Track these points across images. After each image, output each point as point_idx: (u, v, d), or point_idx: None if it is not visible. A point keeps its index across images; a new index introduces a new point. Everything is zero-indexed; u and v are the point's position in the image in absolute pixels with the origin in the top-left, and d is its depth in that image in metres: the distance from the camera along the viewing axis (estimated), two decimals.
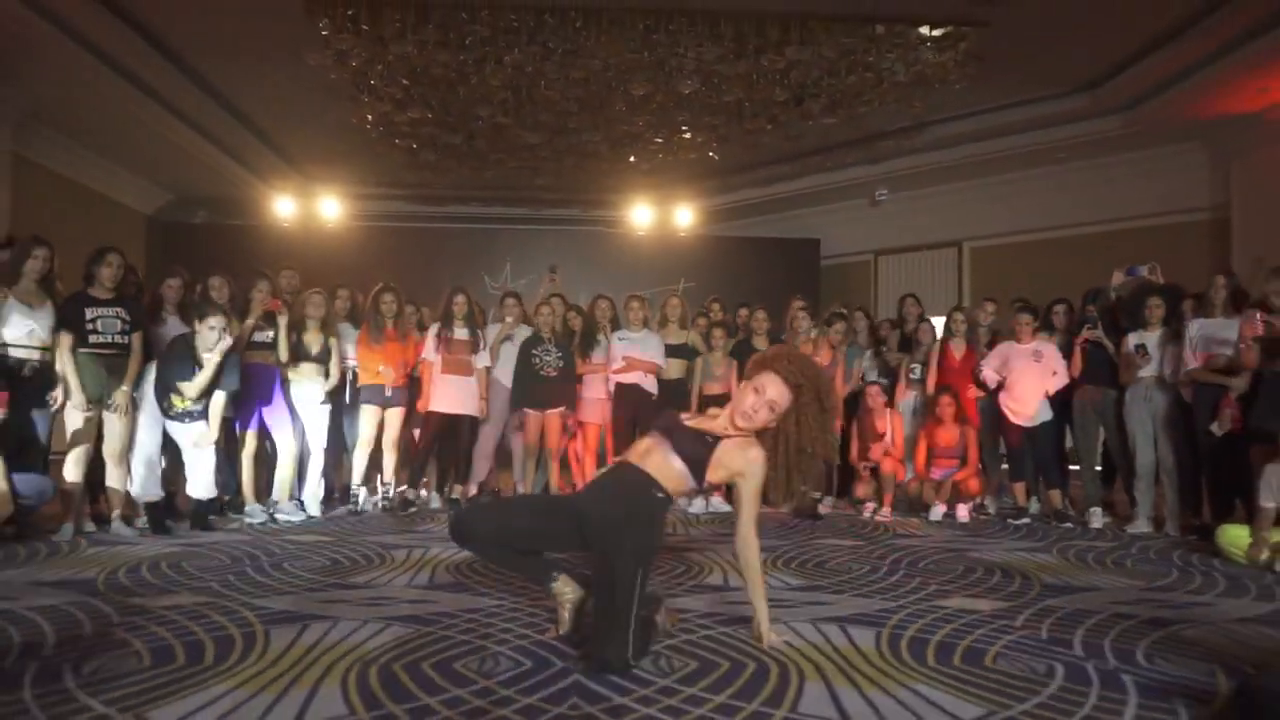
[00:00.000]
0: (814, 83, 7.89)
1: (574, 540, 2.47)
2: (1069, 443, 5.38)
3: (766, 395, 2.40)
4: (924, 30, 7.16)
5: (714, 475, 2.47)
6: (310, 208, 10.71)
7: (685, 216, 10.67)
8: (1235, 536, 3.86)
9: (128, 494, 4.28)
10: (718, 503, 5.41)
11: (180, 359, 4.18)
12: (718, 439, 2.45)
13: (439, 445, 5.36)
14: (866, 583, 3.36)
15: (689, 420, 2.58)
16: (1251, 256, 8.40)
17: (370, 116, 8.69)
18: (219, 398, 4.28)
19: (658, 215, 10.64)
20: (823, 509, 5.25)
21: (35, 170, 8.87)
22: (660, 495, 2.45)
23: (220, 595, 3.01)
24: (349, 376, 5.12)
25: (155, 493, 4.27)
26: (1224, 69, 7.40)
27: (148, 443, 4.23)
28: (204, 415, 4.27)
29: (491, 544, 2.46)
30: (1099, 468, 5.19)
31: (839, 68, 7.62)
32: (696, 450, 2.44)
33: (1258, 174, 8.37)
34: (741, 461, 2.44)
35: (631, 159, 9.65)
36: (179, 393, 4.14)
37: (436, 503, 5.43)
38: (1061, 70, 8.04)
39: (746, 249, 10.79)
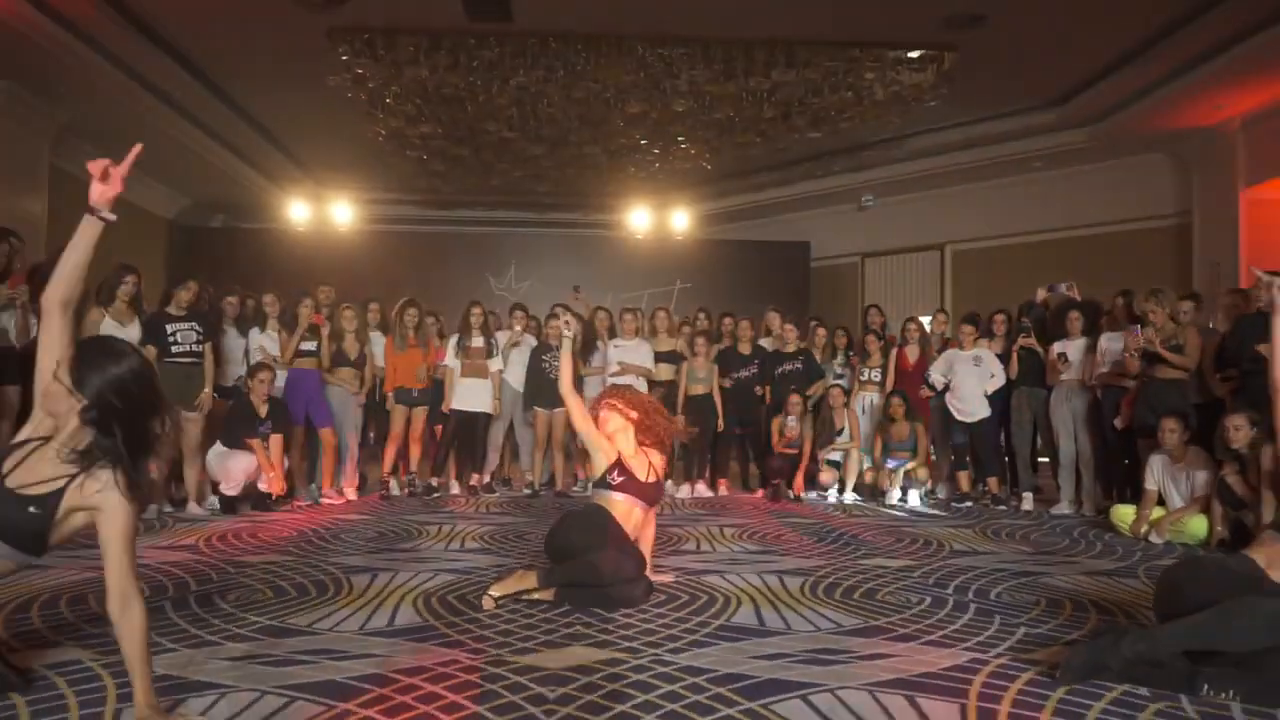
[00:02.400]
0: (798, 101, 8.85)
1: None
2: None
3: (616, 414, 3.55)
4: (899, 53, 8.08)
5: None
6: (323, 212, 11.68)
7: (681, 220, 11.62)
8: (1123, 514, 4.86)
9: (200, 480, 5.31)
10: (702, 489, 6.45)
11: (243, 421, 5.35)
12: (659, 479, 3.56)
13: (458, 439, 6.38)
14: (810, 548, 4.37)
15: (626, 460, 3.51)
16: (1210, 261, 9.37)
17: (383, 131, 9.66)
18: (276, 441, 5.40)
19: (655, 219, 11.59)
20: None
21: (68, 180, 9.80)
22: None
23: (300, 555, 4.02)
24: (379, 379, 6.15)
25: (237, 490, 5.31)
26: (1181, 87, 8.30)
27: (245, 459, 5.29)
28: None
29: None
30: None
31: (821, 88, 8.57)
32: (654, 494, 3.56)
33: (1215, 184, 9.29)
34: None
35: (631, 170, 10.61)
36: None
37: (456, 489, 6.45)
38: (1032, 87, 8.96)
39: (740, 251, 11.76)
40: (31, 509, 1.98)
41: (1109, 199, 10.15)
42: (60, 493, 1.98)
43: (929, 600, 3.26)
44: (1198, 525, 4.54)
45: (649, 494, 3.50)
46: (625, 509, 3.41)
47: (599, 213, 12.12)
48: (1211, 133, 9.07)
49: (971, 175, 10.58)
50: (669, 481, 6.48)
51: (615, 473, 3.45)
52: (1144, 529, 4.68)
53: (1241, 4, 6.91)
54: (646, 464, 3.52)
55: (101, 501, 1.98)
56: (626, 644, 2.64)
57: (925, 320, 6.92)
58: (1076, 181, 10.26)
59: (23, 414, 4.47)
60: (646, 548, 3.57)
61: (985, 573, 3.78)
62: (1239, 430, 4.38)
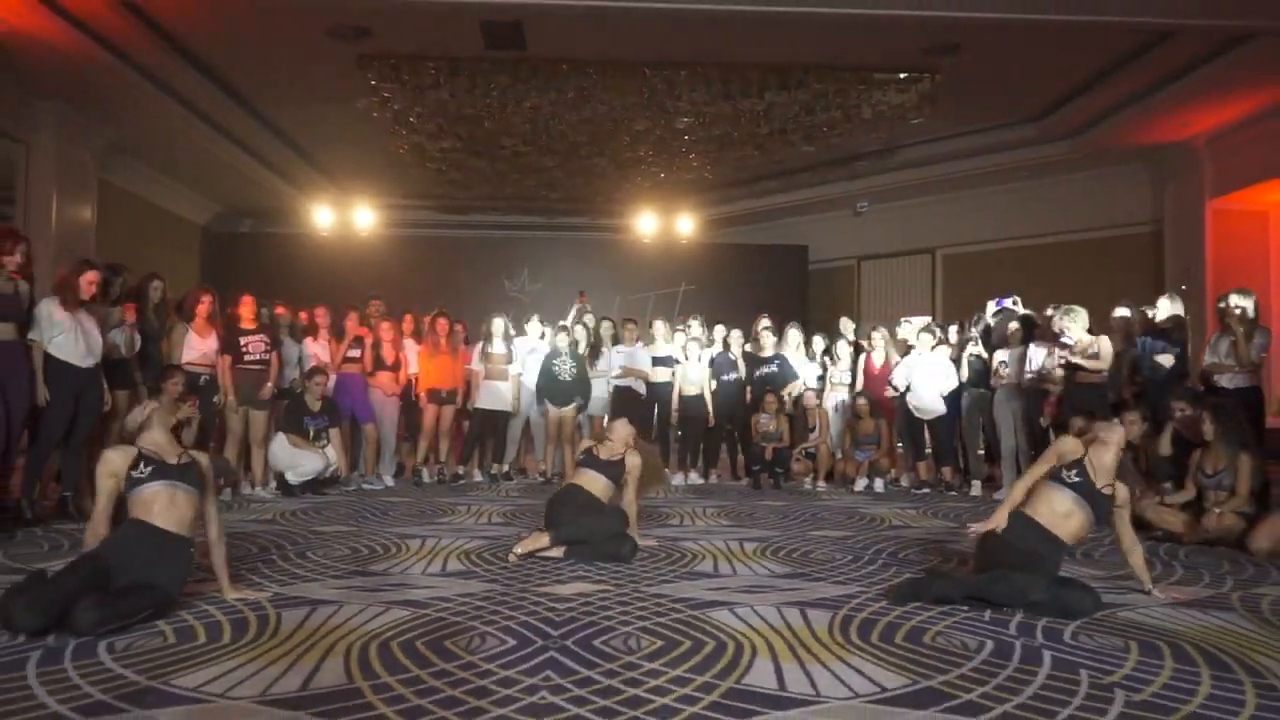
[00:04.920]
0: (792, 119, 10.01)
1: None
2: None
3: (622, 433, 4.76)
4: (885, 76, 9.21)
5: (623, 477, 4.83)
6: (345, 217, 12.95)
7: (686, 224, 12.82)
8: None
9: (265, 468, 6.60)
10: (694, 477, 7.70)
11: (295, 416, 6.64)
12: (621, 459, 4.78)
13: (482, 433, 7.65)
14: (774, 524, 5.59)
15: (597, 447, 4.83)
16: (1180, 265, 10.49)
17: (405, 145, 10.89)
18: (335, 434, 6.65)
19: (661, 223, 12.78)
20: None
21: (114, 191, 11.13)
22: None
23: (360, 526, 5.29)
24: (413, 381, 7.43)
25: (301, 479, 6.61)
26: (1149, 106, 9.41)
27: (315, 458, 6.58)
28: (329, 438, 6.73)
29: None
30: (980, 450, 7.41)
31: (813, 107, 9.73)
32: (614, 470, 4.76)
33: (1185, 194, 10.41)
34: (631, 463, 4.80)
35: (637, 179, 11.81)
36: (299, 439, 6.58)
37: (479, 477, 7.73)
38: (1012, 104, 10.09)
39: (742, 254, 12.96)
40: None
41: (1089, 207, 11.26)
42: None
43: (849, 558, 4.47)
44: None
45: (609, 470, 4.77)
46: (590, 478, 4.71)
47: (607, 217, 13.33)
48: (1181, 147, 10.17)
49: (960, 184, 11.71)
50: (665, 471, 7.76)
51: (586, 454, 4.82)
52: None
53: (1194, 36, 8.01)
54: (620, 454, 4.80)
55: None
56: (613, 581, 3.88)
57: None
58: (1058, 190, 11.38)
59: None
60: (631, 514, 4.79)
61: (906, 541, 4.99)
62: (1133, 425, 5.54)
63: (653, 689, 2.49)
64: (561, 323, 8.01)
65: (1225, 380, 5.57)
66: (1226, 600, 3.69)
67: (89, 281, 5.29)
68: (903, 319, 9.59)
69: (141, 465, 3.37)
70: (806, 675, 2.65)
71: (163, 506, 3.32)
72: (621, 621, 3.20)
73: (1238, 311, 5.43)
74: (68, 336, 5.13)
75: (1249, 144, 9.58)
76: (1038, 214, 11.58)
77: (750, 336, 8.11)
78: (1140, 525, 5.21)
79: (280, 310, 7.11)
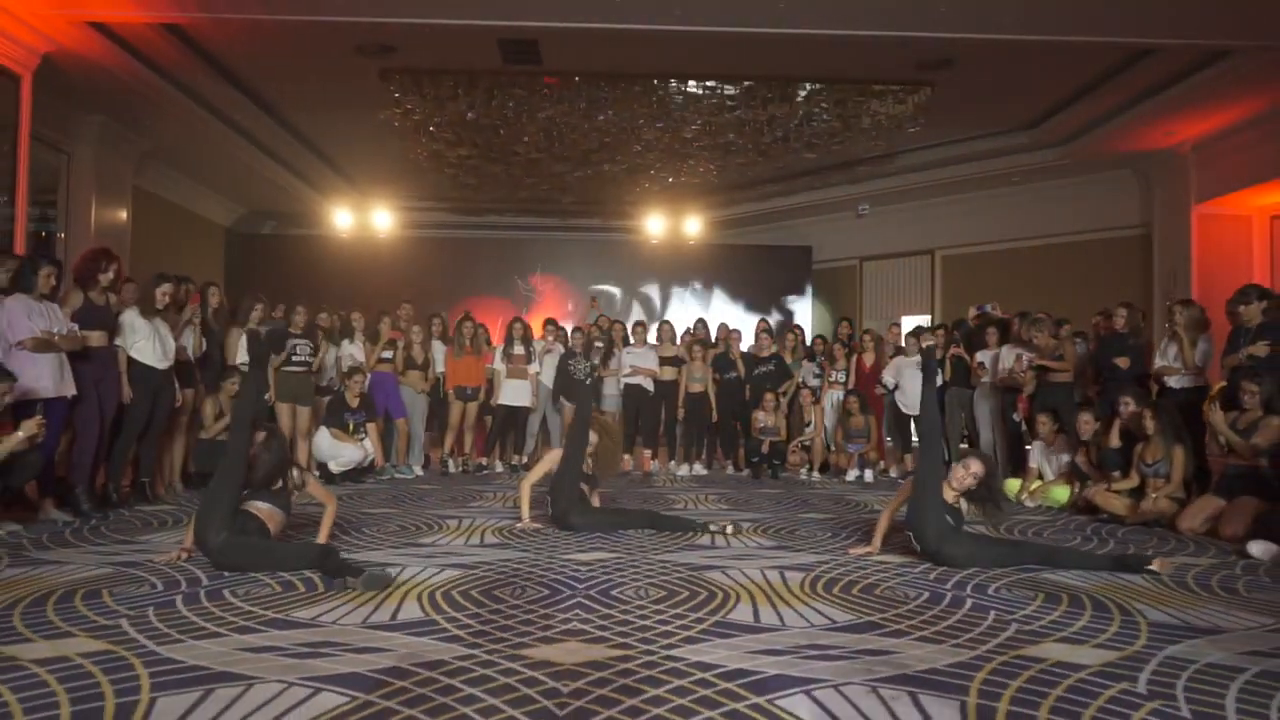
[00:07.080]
0: (794, 128, 10.87)
1: None
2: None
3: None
4: (880, 87, 10.04)
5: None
6: (364, 219, 13.84)
7: (694, 225, 13.67)
8: (1011, 485, 6.92)
9: (309, 458, 7.53)
10: (698, 468, 8.60)
11: (336, 412, 7.56)
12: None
13: (503, 428, 8.58)
14: (766, 507, 6.49)
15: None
16: (1167, 268, 11.31)
17: (425, 153, 11.79)
18: (372, 428, 7.55)
19: (669, 224, 13.63)
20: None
21: (145, 196, 12.04)
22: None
23: (401, 509, 6.21)
24: (441, 380, 8.37)
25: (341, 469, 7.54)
26: (1136, 115, 10.19)
27: (353, 450, 7.49)
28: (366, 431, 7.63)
29: None
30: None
31: (813, 117, 10.58)
32: (593, 479, 5.76)
33: (1172, 199, 11.20)
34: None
35: (646, 184, 12.69)
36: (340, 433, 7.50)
37: (500, 468, 8.65)
38: (1005, 113, 10.90)
39: (747, 255, 13.83)
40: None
41: (1081, 211, 12.07)
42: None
43: (828, 534, 5.37)
44: (1059, 493, 6.60)
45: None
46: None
47: (617, 219, 14.20)
48: (1168, 154, 10.95)
49: (956, 188, 12.52)
50: (672, 462, 8.67)
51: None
52: (1024, 496, 6.75)
53: (1175, 52, 8.81)
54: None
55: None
56: (625, 550, 4.79)
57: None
58: (1051, 195, 12.19)
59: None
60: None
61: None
62: (1087, 424, 6.44)
63: (657, 620, 3.39)
64: (577, 325, 8.92)
65: (1173, 381, 6.43)
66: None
67: (163, 293, 6.21)
68: (901, 318, 10.43)
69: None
70: (777, 614, 3.55)
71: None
72: (633, 578, 4.11)
73: (1182, 320, 6.28)
74: (147, 342, 6.05)
75: (1232, 151, 10.35)
76: (1031, 217, 12.38)
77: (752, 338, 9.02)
78: (1090, 509, 6.13)
79: (322, 317, 8.03)
